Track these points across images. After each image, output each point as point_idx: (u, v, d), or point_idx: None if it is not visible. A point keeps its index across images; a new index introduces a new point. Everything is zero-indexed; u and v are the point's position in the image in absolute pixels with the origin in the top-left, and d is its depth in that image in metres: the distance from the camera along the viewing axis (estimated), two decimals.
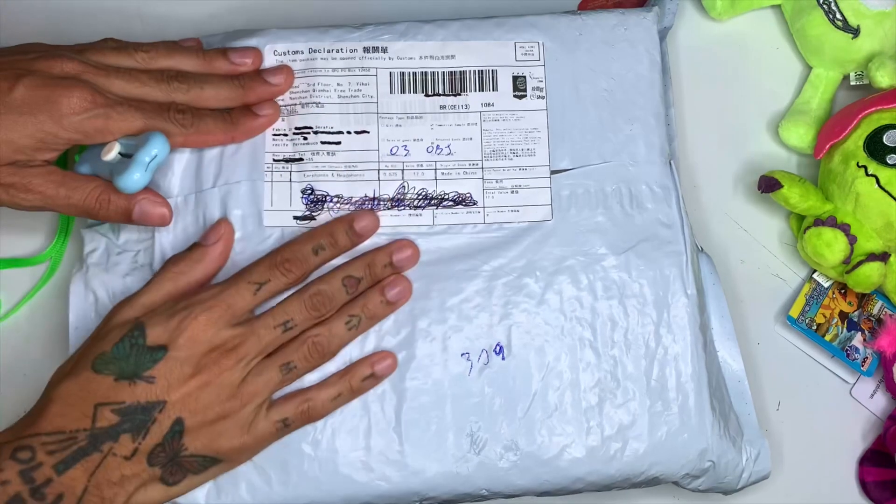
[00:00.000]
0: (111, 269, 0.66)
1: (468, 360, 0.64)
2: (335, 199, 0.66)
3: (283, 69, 0.67)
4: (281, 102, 0.67)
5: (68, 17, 0.77)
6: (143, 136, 0.62)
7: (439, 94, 0.68)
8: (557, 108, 0.68)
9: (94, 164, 0.63)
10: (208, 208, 0.65)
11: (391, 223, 0.65)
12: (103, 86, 0.62)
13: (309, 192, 0.66)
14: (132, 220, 0.63)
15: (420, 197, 0.66)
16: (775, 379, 0.74)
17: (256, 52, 0.67)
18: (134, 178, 0.61)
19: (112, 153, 0.62)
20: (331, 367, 0.63)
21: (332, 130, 0.67)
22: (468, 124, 0.68)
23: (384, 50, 0.68)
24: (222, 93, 0.65)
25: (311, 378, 0.63)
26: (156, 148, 0.61)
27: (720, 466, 0.65)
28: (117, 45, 0.65)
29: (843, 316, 0.75)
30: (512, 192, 0.67)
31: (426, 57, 0.68)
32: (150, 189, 0.64)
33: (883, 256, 0.71)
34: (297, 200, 0.66)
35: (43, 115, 0.60)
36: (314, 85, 0.67)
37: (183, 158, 0.66)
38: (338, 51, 0.68)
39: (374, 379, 0.63)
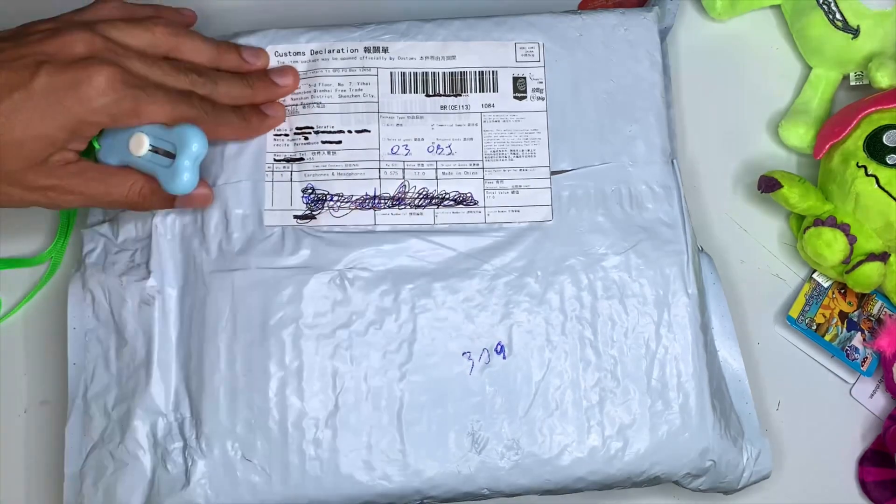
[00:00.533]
0: (108, 269, 0.66)
1: (469, 359, 0.64)
2: (336, 198, 0.66)
3: (290, 71, 0.67)
4: (282, 103, 0.67)
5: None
6: (175, 132, 0.61)
7: (440, 95, 0.68)
8: (557, 110, 0.68)
9: (123, 156, 0.62)
10: (208, 208, 0.65)
11: (392, 221, 0.65)
12: (127, 66, 0.60)
13: (310, 191, 0.66)
14: (175, 205, 0.63)
15: (421, 196, 0.66)
16: (775, 379, 0.74)
17: (266, 55, 0.67)
18: (185, 180, 0.61)
19: (143, 149, 0.61)
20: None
21: (332, 130, 0.67)
22: (469, 125, 0.68)
23: (385, 50, 0.68)
24: (233, 91, 0.64)
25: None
26: (195, 142, 0.60)
27: (721, 466, 0.65)
28: (126, 13, 0.64)
29: (843, 316, 0.75)
30: (512, 192, 0.67)
31: (427, 57, 0.68)
32: None
33: (883, 256, 0.71)
34: (297, 200, 0.66)
35: (70, 101, 0.58)
36: (315, 85, 0.67)
37: None
38: (339, 51, 0.68)
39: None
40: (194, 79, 0.63)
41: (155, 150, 0.61)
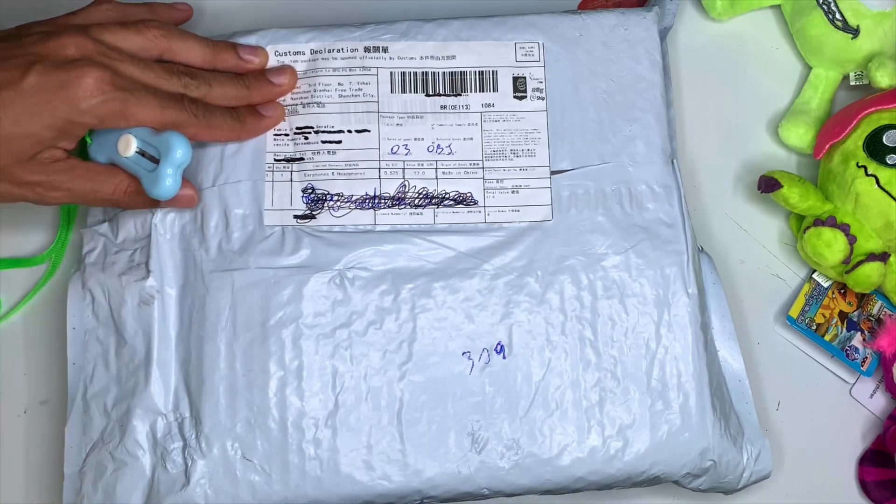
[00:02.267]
0: (107, 269, 0.66)
1: (469, 358, 0.64)
2: (335, 198, 0.66)
3: (287, 70, 0.67)
4: (282, 102, 0.67)
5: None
6: (161, 138, 0.61)
7: (440, 95, 0.68)
8: (557, 109, 0.68)
9: (111, 154, 0.63)
10: (208, 207, 0.65)
11: (392, 221, 0.65)
12: (117, 69, 0.61)
13: (310, 191, 0.66)
14: (159, 206, 0.64)
15: (421, 196, 0.66)
16: (775, 379, 0.74)
17: (264, 53, 0.67)
18: (166, 186, 0.61)
19: (130, 150, 0.62)
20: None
21: (332, 130, 0.67)
22: (469, 124, 0.68)
23: (385, 50, 0.68)
24: (229, 92, 0.65)
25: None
26: (179, 149, 0.61)
27: (721, 466, 0.65)
28: (120, 16, 0.64)
29: (843, 316, 0.75)
30: (512, 192, 0.67)
31: (427, 57, 0.68)
32: None
33: (882, 256, 0.71)
34: (297, 199, 0.66)
35: (58, 101, 0.58)
36: (315, 85, 0.67)
37: None
38: (339, 50, 0.68)
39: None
40: (187, 82, 0.63)
41: (141, 153, 0.62)
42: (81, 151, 0.64)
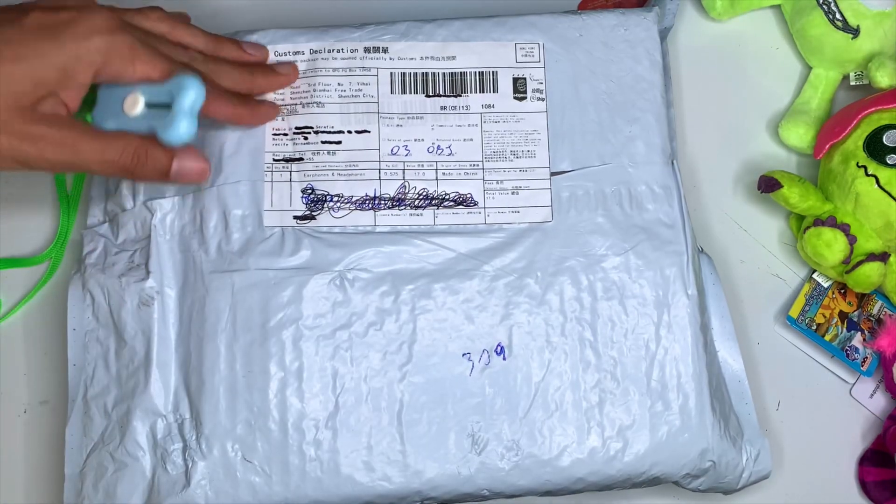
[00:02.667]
0: (107, 270, 0.66)
1: (469, 360, 0.64)
2: (335, 199, 0.66)
3: (289, 63, 0.67)
4: (282, 102, 0.67)
5: None
6: (172, 82, 0.58)
7: (440, 95, 0.68)
8: (557, 110, 0.68)
9: (118, 120, 0.60)
10: (207, 208, 0.65)
11: (392, 222, 0.65)
12: (125, 19, 0.59)
13: (309, 191, 0.66)
14: (170, 177, 0.60)
15: (421, 197, 0.66)
16: (775, 379, 0.74)
17: (266, 50, 0.67)
18: (181, 129, 0.58)
19: (138, 106, 0.59)
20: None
21: (332, 130, 0.67)
22: (469, 125, 0.68)
23: (385, 50, 0.68)
24: (233, 74, 0.64)
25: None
26: (193, 89, 0.57)
27: (721, 466, 0.65)
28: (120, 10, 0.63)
29: (843, 316, 0.75)
30: (512, 193, 0.67)
31: (427, 58, 0.68)
32: (190, 145, 0.60)
33: (883, 256, 0.71)
34: (297, 200, 0.66)
35: (65, 35, 0.55)
36: (315, 85, 0.67)
37: None
38: (338, 51, 0.68)
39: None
40: (193, 55, 0.62)
41: (151, 106, 0.59)
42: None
